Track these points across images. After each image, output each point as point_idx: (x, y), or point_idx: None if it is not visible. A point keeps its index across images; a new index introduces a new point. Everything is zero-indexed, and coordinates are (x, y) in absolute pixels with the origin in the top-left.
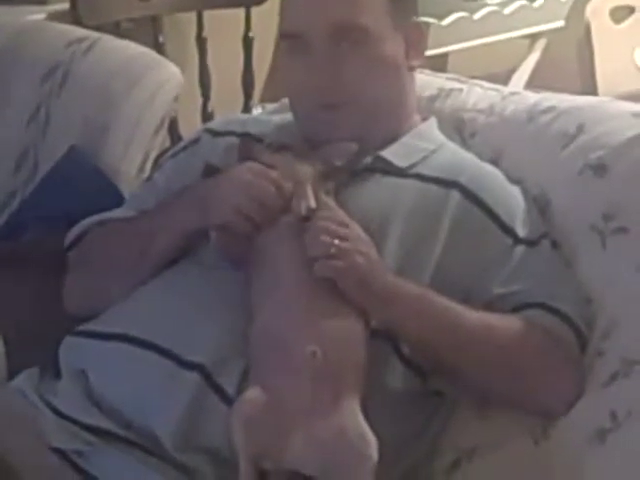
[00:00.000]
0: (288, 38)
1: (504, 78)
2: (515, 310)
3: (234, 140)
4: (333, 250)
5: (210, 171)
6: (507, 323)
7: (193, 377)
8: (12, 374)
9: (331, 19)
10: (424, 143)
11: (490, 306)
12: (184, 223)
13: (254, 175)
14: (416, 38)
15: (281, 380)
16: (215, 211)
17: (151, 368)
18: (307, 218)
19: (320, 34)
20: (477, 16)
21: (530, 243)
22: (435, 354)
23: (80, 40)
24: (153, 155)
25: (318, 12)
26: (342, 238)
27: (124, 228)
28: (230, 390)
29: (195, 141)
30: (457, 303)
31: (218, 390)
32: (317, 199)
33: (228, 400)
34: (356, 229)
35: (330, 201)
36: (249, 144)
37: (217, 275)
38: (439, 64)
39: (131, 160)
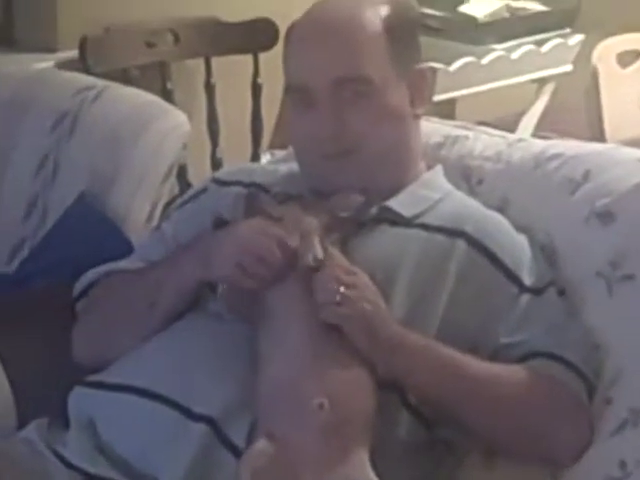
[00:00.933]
0: (292, 91)
1: (512, 122)
2: (522, 359)
3: (241, 190)
4: (338, 297)
5: (219, 224)
6: (513, 373)
7: (201, 429)
8: (21, 423)
9: (334, 72)
10: (430, 192)
11: (496, 355)
12: (190, 276)
13: (255, 232)
14: (420, 85)
15: (289, 431)
16: (217, 267)
17: (159, 419)
18: (315, 268)
19: (323, 87)
20: (485, 61)
21: (536, 291)
22: (441, 404)
23: (88, 88)
24: (161, 203)
25: (321, 65)
26: (349, 286)
27: (132, 279)
28: (238, 442)
29: (202, 191)
30: (463, 353)
31: (226, 442)
32: (324, 250)
33: (236, 452)
34: (363, 277)
35: (336, 252)
36: (256, 196)
37: (225, 327)
38: (447, 109)
39: (139, 208)
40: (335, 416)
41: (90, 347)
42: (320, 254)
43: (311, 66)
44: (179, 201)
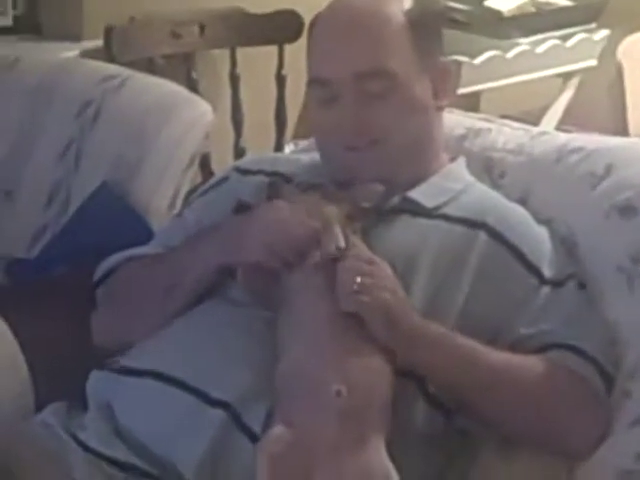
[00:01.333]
0: (315, 84)
1: (537, 116)
2: (540, 350)
3: (263, 179)
4: (356, 287)
5: (241, 208)
6: (532, 364)
7: (218, 414)
8: (39, 407)
9: (357, 66)
10: (452, 183)
11: (515, 346)
12: (215, 259)
13: (285, 214)
14: (443, 78)
15: (307, 418)
16: (247, 249)
17: (176, 404)
18: (337, 258)
19: (347, 81)
20: (510, 55)
21: (556, 284)
22: (460, 394)
23: (112, 77)
24: (184, 191)
25: (344, 59)
26: (370, 275)
27: (152, 263)
28: (256, 428)
29: (224, 179)
30: (483, 344)
31: (244, 428)
32: (346, 239)
33: (254, 438)
34: (384, 267)
35: (358, 240)
36: (277, 184)
37: (244, 313)
38: (472, 102)
39: (162, 196)
40: (353, 403)
41: (110, 331)
42: (342, 243)
43: (334, 60)
44: (201, 189)
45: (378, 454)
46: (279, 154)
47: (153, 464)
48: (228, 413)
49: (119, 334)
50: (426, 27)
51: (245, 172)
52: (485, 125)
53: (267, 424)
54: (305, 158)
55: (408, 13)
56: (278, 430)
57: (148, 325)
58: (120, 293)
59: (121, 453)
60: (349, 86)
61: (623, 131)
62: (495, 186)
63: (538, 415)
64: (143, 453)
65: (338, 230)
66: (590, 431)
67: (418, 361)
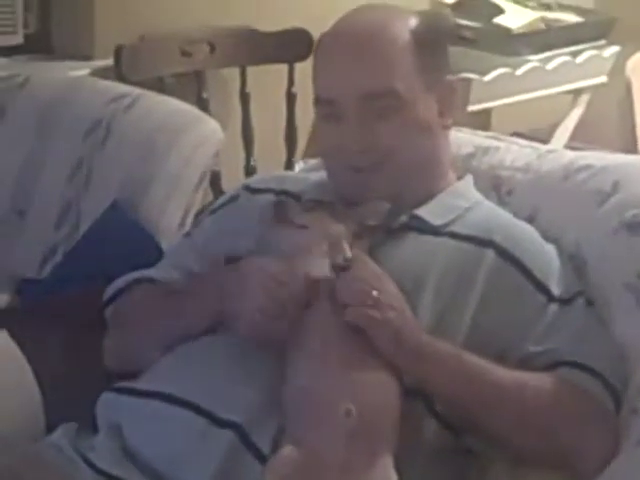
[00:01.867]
0: (321, 104)
1: (547, 133)
2: (549, 368)
3: (272, 197)
4: (370, 301)
5: (231, 261)
6: (540, 382)
7: (227, 435)
8: (50, 428)
9: (362, 87)
10: (459, 201)
11: (524, 364)
12: (214, 312)
13: (267, 280)
14: (449, 97)
15: (316, 437)
16: (243, 323)
17: (186, 425)
18: (344, 267)
19: (351, 101)
20: (519, 72)
21: (564, 301)
22: (467, 412)
23: (122, 96)
24: (194, 210)
25: (349, 79)
26: (376, 290)
27: (158, 300)
28: (264, 448)
29: (234, 198)
30: (491, 361)
31: (253, 449)
32: (352, 252)
33: (262, 458)
34: (390, 285)
35: (364, 256)
36: (283, 204)
37: (250, 345)
38: (482, 120)
39: (171, 215)
40: (362, 422)
41: (118, 357)
42: (349, 254)
43: (339, 81)
44: (210, 208)
45: (386, 473)
46: (288, 172)
47: None
48: (237, 434)
49: (127, 360)
50: (432, 45)
51: (254, 191)
52: (493, 143)
53: (276, 444)
54: (313, 176)
55: (414, 31)
56: (286, 450)
57: (155, 354)
58: (127, 322)
59: (130, 474)
60: (354, 106)
61: (633, 147)
62: (503, 204)
63: (546, 433)
64: (153, 474)
65: (345, 243)
66: (599, 449)
67: (424, 378)
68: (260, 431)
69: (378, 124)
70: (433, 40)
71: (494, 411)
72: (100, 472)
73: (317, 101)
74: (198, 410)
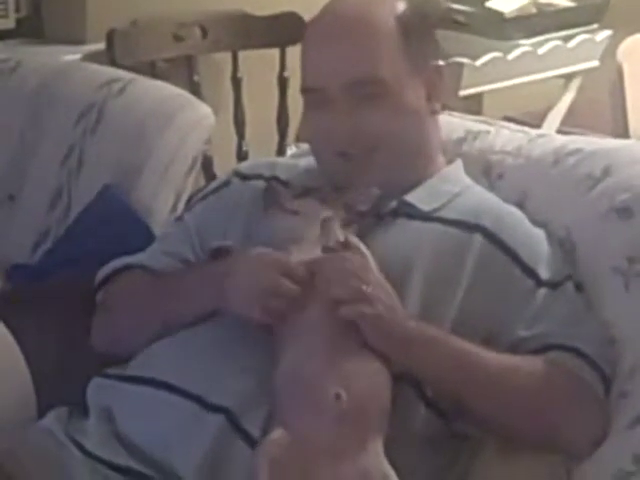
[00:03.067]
0: (308, 91)
1: (539, 117)
2: (538, 352)
3: (262, 184)
4: (361, 296)
5: (216, 254)
6: (530, 365)
7: (217, 419)
8: (41, 413)
9: (349, 74)
10: (448, 186)
11: (514, 348)
12: (210, 304)
13: (266, 268)
14: (437, 81)
15: (306, 422)
16: (241, 306)
17: (176, 410)
18: (336, 249)
19: (338, 88)
20: (511, 56)
21: (553, 285)
22: (458, 397)
23: (114, 81)
24: (185, 195)
25: (336, 67)
26: (366, 284)
27: (151, 287)
28: (254, 433)
29: (225, 184)
30: (479, 345)
31: (242, 433)
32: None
33: (252, 443)
34: (377, 275)
35: (355, 239)
36: (274, 189)
37: (243, 322)
38: (474, 104)
39: (163, 200)
40: (351, 407)
41: (107, 340)
42: (341, 237)
43: (325, 68)
44: (202, 193)
45: (377, 458)
46: (279, 159)
47: (153, 468)
48: (227, 418)
49: (114, 343)
50: (418, 31)
51: (245, 177)
52: (484, 127)
53: (266, 428)
54: (303, 162)
55: (399, 17)
56: (277, 434)
57: (143, 341)
58: (118, 307)
59: (121, 458)
60: (340, 94)
61: (624, 132)
62: (493, 188)
63: (536, 415)
64: (143, 458)
65: (337, 226)
66: (589, 431)
67: (414, 364)
68: (250, 416)
69: (365, 111)
70: (419, 25)
71: (484, 394)
72: (90, 455)
73: (304, 90)
74: (188, 395)
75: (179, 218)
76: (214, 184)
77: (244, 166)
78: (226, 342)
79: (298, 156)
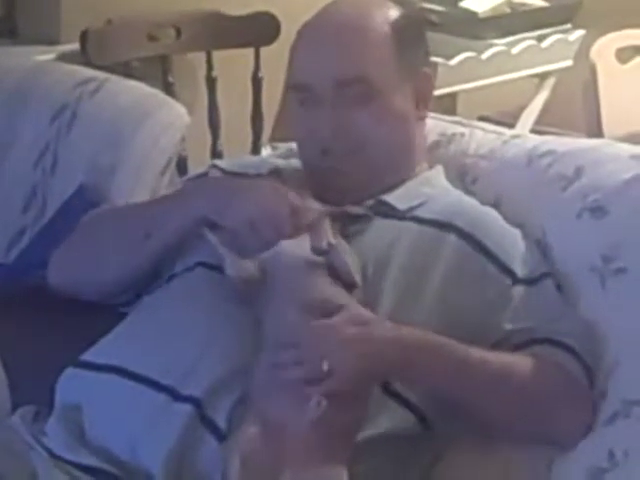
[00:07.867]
0: (296, 89)
1: (513, 116)
2: (522, 346)
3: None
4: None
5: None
6: (522, 361)
7: (185, 409)
8: (16, 407)
9: (337, 72)
10: (425, 188)
11: (497, 346)
12: (197, 211)
13: (277, 195)
14: (426, 88)
15: (284, 415)
16: (229, 216)
17: (143, 402)
18: (326, 252)
19: (326, 86)
20: (485, 56)
21: (529, 282)
22: (448, 395)
23: (88, 81)
24: (160, 194)
25: (325, 65)
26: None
27: (128, 211)
28: (220, 422)
29: (204, 175)
30: (462, 342)
31: (208, 424)
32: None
33: (218, 434)
34: (353, 306)
35: (342, 241)
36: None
37: (212, 303)
38: (448, 104)
39: (138, 199)
40: (331, 415)
41: (71, 269)
42: (332, 240)
43: (314, 66)
44: (180, 180)
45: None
46: (257, 157)
47: (119, 465)
48: (195, 408)
49: (80, 272)
50: (411, 37)
51: (225, 173)
52: (458, 129)
53: (231, 418)
54: (279, 162)
55: (394, 24)
56: (251, 429)
57: (115, 268)
58: (90, 233)
59: (84, 457)
60: (329, 92)
61: (597, 131)
62: (468, 192)
63: (523, 407)
64: (108, 455)
65: (328, 227)
66: (576, 421)
67: (418, 374)
68: (216, 405)
69: (352, 111)
70: (412, 31)
71: (472, 390)
72: (55, 456)
73: (292, 86)
74: (158, 386)
75: None
76: (193, 175)
77: (223, 162)
78: (200, 324)
79: (276, 157)
